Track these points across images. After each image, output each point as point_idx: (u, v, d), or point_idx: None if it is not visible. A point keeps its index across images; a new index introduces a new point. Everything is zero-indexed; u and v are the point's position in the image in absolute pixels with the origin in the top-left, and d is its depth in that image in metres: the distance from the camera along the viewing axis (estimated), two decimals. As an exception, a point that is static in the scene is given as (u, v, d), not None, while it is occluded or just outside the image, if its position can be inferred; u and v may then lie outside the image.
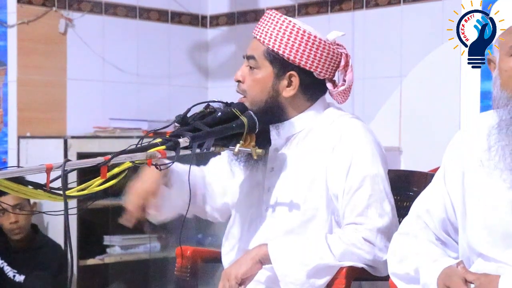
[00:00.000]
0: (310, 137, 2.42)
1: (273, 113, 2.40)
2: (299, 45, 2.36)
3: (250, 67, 2.40)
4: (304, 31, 2.37)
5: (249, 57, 2.41)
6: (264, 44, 2.38)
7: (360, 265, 2.28)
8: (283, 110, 2.42)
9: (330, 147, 2.35)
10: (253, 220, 2.48)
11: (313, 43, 2.37)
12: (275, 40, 2.37)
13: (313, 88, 2.43)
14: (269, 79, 2.39)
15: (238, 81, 2.42)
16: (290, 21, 2.38)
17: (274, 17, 2.40)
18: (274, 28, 2.38)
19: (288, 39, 2.36)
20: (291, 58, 2.36)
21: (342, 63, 2.43)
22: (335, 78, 2.46)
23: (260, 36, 2.39)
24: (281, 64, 2.38)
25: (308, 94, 2.43)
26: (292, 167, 2.41)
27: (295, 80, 2.39)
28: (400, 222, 2.25)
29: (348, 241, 2.27)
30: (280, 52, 2.36)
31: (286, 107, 2.42)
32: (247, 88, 2.40)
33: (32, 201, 3.98)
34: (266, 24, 2.40)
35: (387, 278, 2.20)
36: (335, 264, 2.25)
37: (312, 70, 2.38)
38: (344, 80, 2.44)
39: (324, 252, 2.24)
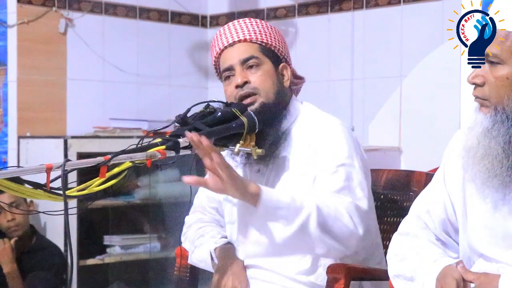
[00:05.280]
0: (292, 137, 2.43)
1: (282, 104, 2.44)
2: (279, 38, 2.47)
3: (250, 67, 2.41)
4: (275, 28, 2.49)
5: (246, 60, 2.41)
6: (258, 41, 2.42)
7: (335, 244, 2.23)
8: (286, 100, 2.46)
9: (311, 147, 2.38)
10: (244, 221, 2.48)
11: (283, 38, 2.51)
12: (265, 35, 2.44)
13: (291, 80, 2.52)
14: (273, 71, 2.44)
15: (244, 83, 2.40)
16: (260, 20, 2.49)
17: (249, 20, 2.47)
18: (257, 27, 2.45)
19: (272, 34, 2.46)
20: (280, 50, 2.46)
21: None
22: None
23: (250, 36, 2.43)
24: (275, 58, 2.45)
25: (290, 86, 2.51)
26: (278, 168, 2.42)
27: (287, 71, 2.47)
28: (400, 222, 2.25)
29: (332, 206, 2.24)
30: (273, 45, 2.44)
31: (287, 98, 2.47)
32: (259, 85, 2.40)
33: (28, 199, 3.98)
34: (247, 27, 2.45)
35: (387, 278, 2.20)
36: (314, 233, 2.20)
37: (289, 63, 2.50)
38: (299, 77, 2.57)
39: (311, 215, 2.20)
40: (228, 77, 2.44)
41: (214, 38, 2.49)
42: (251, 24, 2.45)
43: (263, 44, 2.43)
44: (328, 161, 2.33)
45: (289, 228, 2.18)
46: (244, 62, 2.41)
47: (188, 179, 2.10)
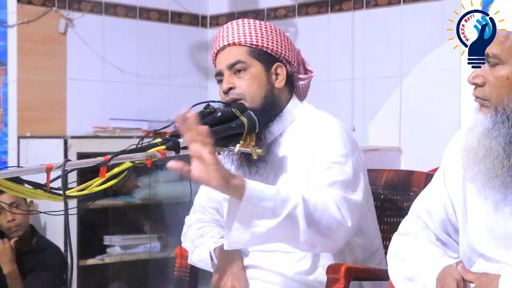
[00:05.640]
0: (290, 138, 2.43)
1: (272, 106, 2.42)
2: (274, 37, 2.44)
3: (238, 71, 2.40)
4: (271, 26, 2.46)
5: (233, 64, 2.41)
6: (247, 44, 2.41)
7: (322, 241, 2.22)
8: (279, 102, 2.45)
9: (309, 148, 2.37)
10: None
11: (282, 36, 2.47)
12: (256, 37, 2.42)
13: (291, 79, 2.49)
14: (262, 74, 2.42)
15: (230, 89, 2.40)
16: (255, 21, 2.46)
17: (242, 21, 2.45)
18: (249, 28, 2.43)
19: (265, 34, 2.43)
20: (274, 49, 2.43)
21: (300, 57, 2.53)
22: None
23: (239, 39, 2.42)
24: (266, 58, 2.43)
25: (289, 86, 2.49)
26: (276, 169, 2.42)
27: (282, 71, 2.45)
28: (400, 222, 2.25)
29: (320, 199, 2.23)
30: (264, 46, 2.42)
31: (280, 99, 2.45)
32: (244, 90, 2.39)
33: (28, 199, 3.98)
34: (238, 29, 2.44)
35: (387, 278, 2.20)
36: (302, 226, 2.17)
37: (290, 60, 2.46)
38: (309, 71, 2.54)
39: (298, 205, 2.16)
40: (220, 81, 2.45)
41: (213, 41, 2.50)
42: (243, 26, 2.44)
43: (253, 46, 2.41)
44: (323, 158, 2.33)
45: (275, 219, 2.12)
46: (231, 67, 2.41)
47: (172, 163, 2.01)
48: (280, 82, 2.44)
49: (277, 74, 2.44)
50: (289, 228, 2.15)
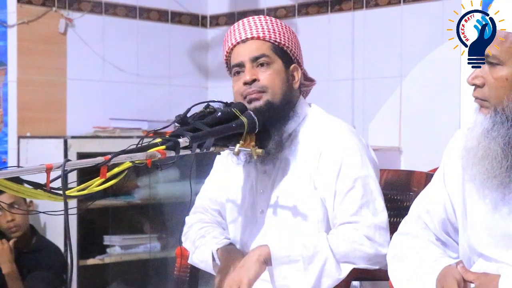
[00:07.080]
0: (300, 139, 2.44)
1: (288, 105, 2.43)
2: (292, 38, 2.46)
3: (260, 65, 2.41)
4: (289, 27, 2.48)
5: (257, 57, 2.41)
6: (271, 40, 2.42)
7: (362, 266, 2.29)
8: (293, 102, 2.46)
9: (318, 151, 2.39)
10: (248, 223, 2.48)
11: (297, 38, 2.49)
12: (279, 35, 2.43)
13: (300, 82, 2.51)
14: (283, 71, 2.43)
15: (253, 81, 2.40)
16: (276, 19, 2.47)
17: (265, 18, 2.46)
18: (272, 25, 2.44)
19: (286, 34, 2.44)
20: (293, 50, 2.45)
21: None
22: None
23: (264, 34, 2.42)
24: (286, 58, 2.44)
25: (299, 88, 2.50)
26: (284, 169, 2.43)
27: (298, 73, 2.47)
28: (400, 222, 2.25)
29: (349, 240, 2.29)
30: (286, 45, 2.43)
31: (294, 99, 2.47)
32: (267, 83, 2.40)
33: (28, 199, 3.98)
34: (261, 24, 2.44)
35: (387, 278, 2.20)
36: (337, 277, 2.28)
37: (301, 64, 2.49)
38: (310, 79, 2.57)
39: (328, 259, 2.27)
40: (237, 73, 2.44)
41: (227, 32, 2.49)
42: (266, 22, 2.44)
43: (276, 43, 2.42)
44: (344, 175, 2.35)
45: (309, 279, 2.25)
46: (254, 59, 2.41)
47: None
48: (296, 83, 2.46)
49: (293, 75, 2.46)
50: (328, 279, 2.27)
